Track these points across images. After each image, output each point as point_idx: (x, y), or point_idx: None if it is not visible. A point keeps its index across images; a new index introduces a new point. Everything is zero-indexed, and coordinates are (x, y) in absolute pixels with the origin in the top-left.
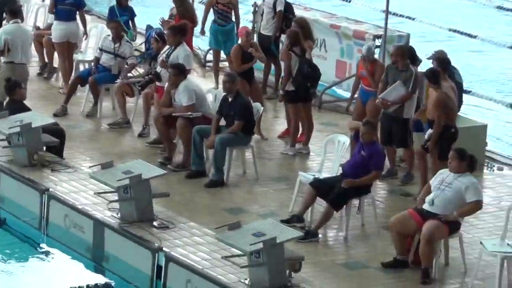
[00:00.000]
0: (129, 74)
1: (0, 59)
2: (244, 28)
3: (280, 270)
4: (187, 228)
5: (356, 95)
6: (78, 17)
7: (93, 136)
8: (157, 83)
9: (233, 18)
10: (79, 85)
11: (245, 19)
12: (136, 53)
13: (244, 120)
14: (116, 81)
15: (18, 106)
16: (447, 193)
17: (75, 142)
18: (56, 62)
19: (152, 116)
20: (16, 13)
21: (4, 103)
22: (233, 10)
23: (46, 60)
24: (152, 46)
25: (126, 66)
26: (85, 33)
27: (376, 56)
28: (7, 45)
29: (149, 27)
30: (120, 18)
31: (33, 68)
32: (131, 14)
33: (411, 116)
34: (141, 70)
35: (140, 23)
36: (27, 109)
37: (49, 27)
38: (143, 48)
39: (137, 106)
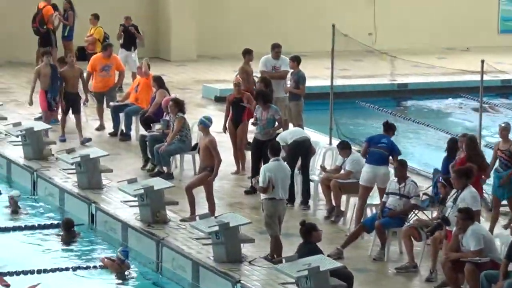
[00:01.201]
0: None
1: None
2: None
3: None
4: None
5: None
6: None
7: (380, 280)
8: (446, 227)
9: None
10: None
11: None
12: (424, 197)
13: None
14: (403, 225)
15: (311, 248)
16: None
17: (362, 286)
18: (343, 205)
19: (439, 261)
20: (278, 151)
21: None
22: None
23: (333, 203)
24: (439, 190)
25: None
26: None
27: None
28: (271, 182)
29: (436, 171)
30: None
31: (320, 211)
32: None
33: None
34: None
35: (428, 167)
36: (319, 251)
37: (336, 170)
38: (430, 191)
39: (424, 250)
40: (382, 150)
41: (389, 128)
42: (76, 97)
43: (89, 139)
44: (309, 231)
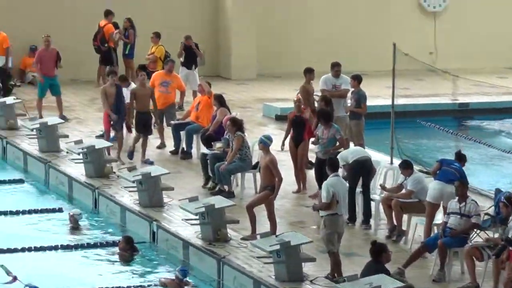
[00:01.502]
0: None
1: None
2: None
3: None
4: None
5: None
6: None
7: None
8: (510, 248)
9: None
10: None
11: None
12: (486, 217)
13: None
14: (465, 245)
15: (379, 269)
16: None
17: None
18: (404, 225)
19: (502, 281)
20: (337, 167)
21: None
22: None
23: (395, 222)
24: (501, 210)
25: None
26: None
27: None
28: (335, 197)
29: (497, 191)
30: None
31: (382, 230)
32: None
33: None
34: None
35: (489, 186)
36: (387, 272)
37: (398, 188)
38: (491, 211)
39: (486, 270)
40: (454, 171)
41: (460, 158)
42: (148, 117)
43: (152, 162)
44: (379, 252)
